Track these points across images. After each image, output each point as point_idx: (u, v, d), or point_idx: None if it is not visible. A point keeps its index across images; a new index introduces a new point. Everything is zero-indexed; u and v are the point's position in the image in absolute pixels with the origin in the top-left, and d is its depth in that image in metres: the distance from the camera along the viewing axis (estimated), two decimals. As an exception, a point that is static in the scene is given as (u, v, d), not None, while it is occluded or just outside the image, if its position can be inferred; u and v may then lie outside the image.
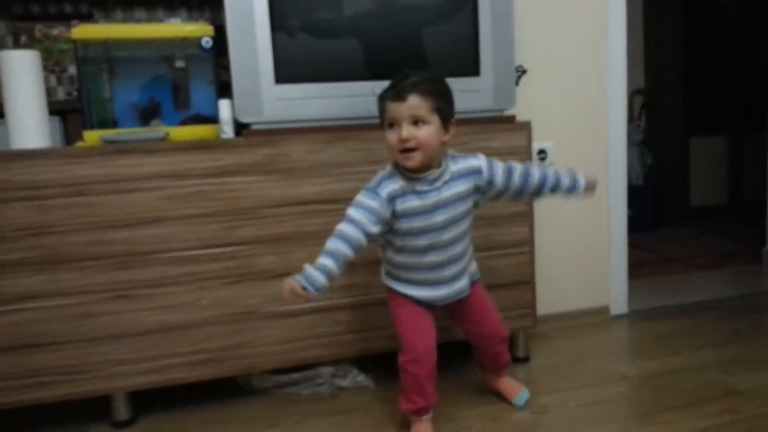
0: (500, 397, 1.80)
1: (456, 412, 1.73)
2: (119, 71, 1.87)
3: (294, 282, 1.41)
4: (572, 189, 1.61)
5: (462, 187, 1.52)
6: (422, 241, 1.51)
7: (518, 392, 1.77)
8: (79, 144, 1.74)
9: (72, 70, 2.29)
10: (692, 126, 4.14)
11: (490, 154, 1.60)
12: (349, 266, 1.80)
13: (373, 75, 1.81)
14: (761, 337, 2.22)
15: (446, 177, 1.50)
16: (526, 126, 1.93)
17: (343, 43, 1.82)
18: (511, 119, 1.94)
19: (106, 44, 1.82)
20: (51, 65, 2.30)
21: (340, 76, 1.79)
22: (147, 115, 1.89)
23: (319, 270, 1.42)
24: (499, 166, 1.56)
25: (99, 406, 1.75)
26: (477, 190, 1.55)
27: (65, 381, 1.67)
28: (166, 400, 1.83)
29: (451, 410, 1.73)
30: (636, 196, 2.71)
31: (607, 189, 2.41)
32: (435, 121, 1.44)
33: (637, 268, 2.86)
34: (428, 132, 1.43)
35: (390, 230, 1.53)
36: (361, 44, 1.83)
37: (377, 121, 1.83)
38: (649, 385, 1.87)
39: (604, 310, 2.47)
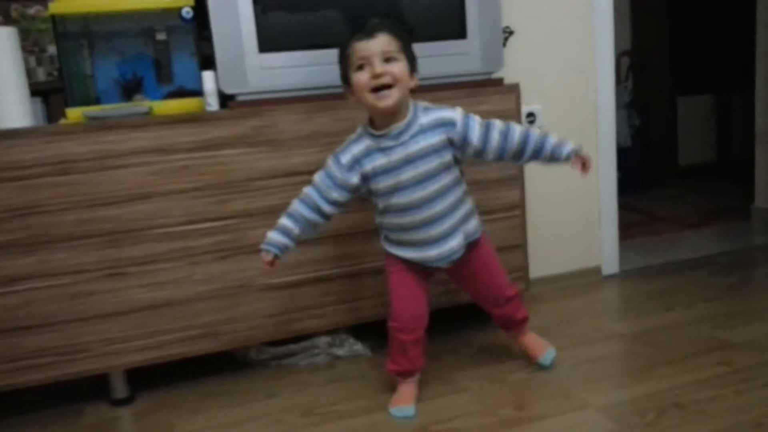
0: (500, 358, 1.82)
1: (453, 373, 1.74)
2: (100, 46, 1.83)
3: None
4: (557, 154, 1.49)
5: (433, 139, 1.47)
6: (397, 200, 1.50)
7: (544, 350, 1.74)
8: (62, 122, 1.72)
9: (51, 50, 2.24)
10: (679, 85, 4.14)
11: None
12: (342, 235, 1.82)
13: (358, 41, 1.79)
14: (752, 291, 2.25)
15: (414, 130, 1.47)
16: (515, 88, 1.92)
17: (326, 8, 1.79)
18: (499, 82, 1.92)
19: (86, 19, 1.78)
20: (30, 45, 2.25)
21: (324, 42, 1.76)
22: (129, 90, 1.86)
23: (276, 230, 1.52)
24: (476, 121, 1.49)
25: (97, 384, 1.75)
26: (451, 143, 1.49)
27: (61, 361, 1.66)
28: (163, 376, 1.84)
29: (449, 372, 1.75)
30: (624, 157, 2.70)
31: (597, 151, 2.40)
32: (404, 60, 1.44)
33: (627, 228, 2.88)
34: (401, 67, 1.43)
35: (370, 192, 1.54)
36: (346, 9, 1.80)
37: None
38: (643, 341, 1.89)
39: (596, 270, 2.49)
